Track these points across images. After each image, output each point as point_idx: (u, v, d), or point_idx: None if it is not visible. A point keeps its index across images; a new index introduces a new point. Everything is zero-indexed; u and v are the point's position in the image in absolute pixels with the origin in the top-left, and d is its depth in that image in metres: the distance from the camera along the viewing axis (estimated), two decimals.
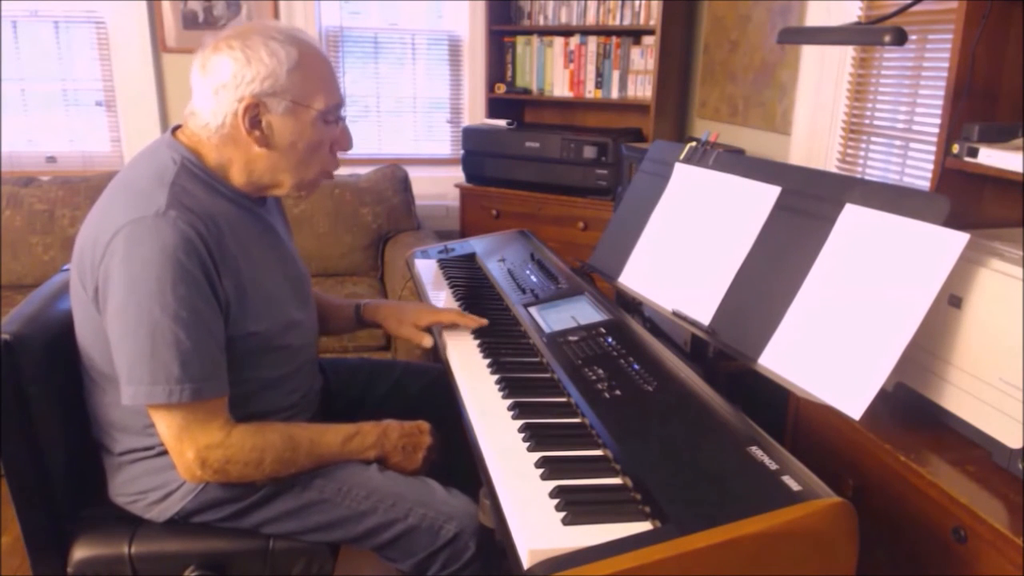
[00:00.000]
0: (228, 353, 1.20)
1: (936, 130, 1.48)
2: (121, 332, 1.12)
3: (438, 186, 3.62)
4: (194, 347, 1.12)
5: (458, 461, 1.44)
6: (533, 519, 0.92)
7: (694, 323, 1.41)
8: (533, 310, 1.57)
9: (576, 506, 0.93)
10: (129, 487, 1.27)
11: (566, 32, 3.33)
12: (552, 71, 3.41)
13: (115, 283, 1.11)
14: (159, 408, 1.15)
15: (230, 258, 1.18)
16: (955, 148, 1.34)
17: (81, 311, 1.22)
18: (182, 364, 1.11)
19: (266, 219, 1.33)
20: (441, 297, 1.73)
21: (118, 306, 1.11)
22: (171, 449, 1.18)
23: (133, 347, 1.11)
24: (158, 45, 3.30)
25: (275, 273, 1.30)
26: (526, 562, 0.86)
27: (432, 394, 1.58)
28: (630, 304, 1.70)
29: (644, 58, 3.19)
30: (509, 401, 1.21)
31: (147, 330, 1.10)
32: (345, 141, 1.30)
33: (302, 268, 1.43)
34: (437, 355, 1.50)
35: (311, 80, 1.21)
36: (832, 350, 1.15)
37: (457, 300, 1.69)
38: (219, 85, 1.18)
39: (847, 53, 2.32)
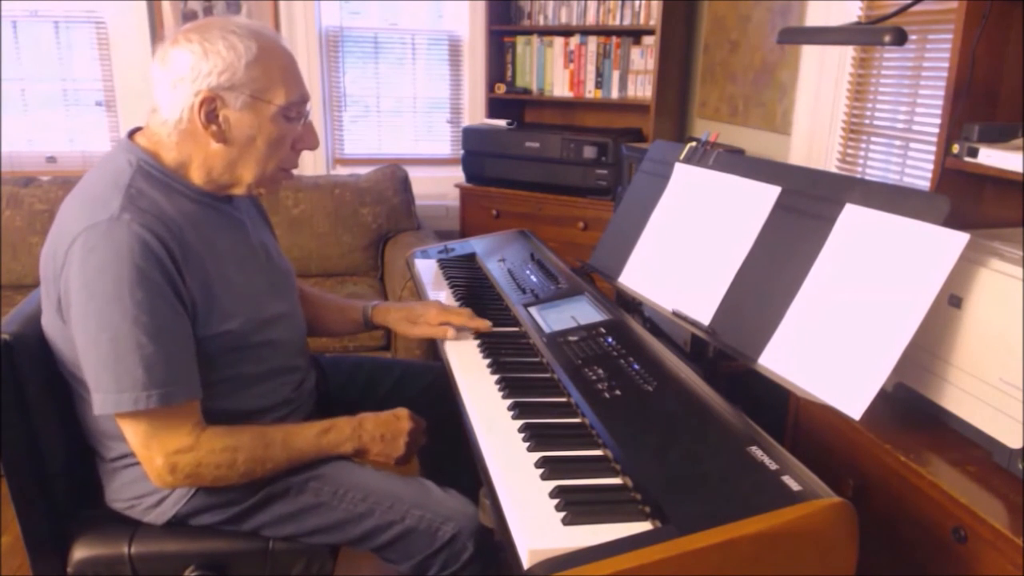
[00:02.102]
0: (205, 353, 1.18)
1: (936, 130, 1.48)
2: (84, 341, 1.11)
3: (438, 186, 3.62)
4: (157, 351, 1.10)
5: (458, 462, 1.45)
6: (533, 519, 0.92)
7: (694, 323, 1.41)
8: (533, 310, 1.57)
9: (576, 506, 0.93)
10: (124, 492, 1.27)
11: (566, 32, 3.33)
12: (552, 71, 3.41)
13: (75, 291, 1.10)
14: (125, 415, 1.13)
15: (193, 258, 1.17)
16: (955, 148, 1.34)
17: (51, 322, 1.20)
18: (146, 369, 1.09)
19: (234, 215, 1.31)
20: (441, 297, 1.72)
21: (79, 314, 1.10)
22: (140, 456, 1.16)
23: (96, 355, 1.10)
24: (158, 45, 3.29)
25: (247, 269, 1.29)
26: (526, 562, 0.86)
27: (433, 394, 1.58)
28: (630, 304, 1.70)
29: (644, 58, 3.19)
30: (509, 401, 1.21)
31: (108, 337, 1.09)
32: (310, 139, 1.27)
33: (282, 263, 1.41)
34: (437, 353, 1.50)
35: (271, 74, 1.19)
36: (832, 350, 1.15)
37: (457, 300, 1.69)
38: (177, 79, 1.16)
39: (847, 53, 2.32)
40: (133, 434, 1.15)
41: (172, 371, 1.12)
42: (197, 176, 1.23)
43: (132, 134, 1.25)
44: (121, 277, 1.08)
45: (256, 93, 1.18)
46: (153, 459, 1.15)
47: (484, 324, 1.48)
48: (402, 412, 1.34)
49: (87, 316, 1.10)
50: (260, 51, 1.17)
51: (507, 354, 1.40)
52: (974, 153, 1.30)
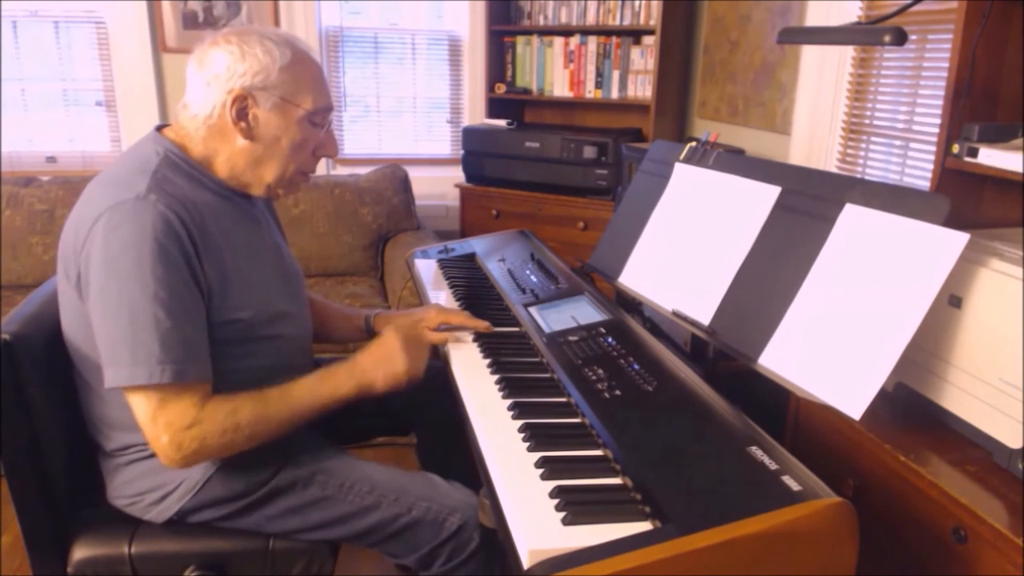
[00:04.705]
0: (214, 341, 1.20)
1: (936, 130, 1.48)
2: (102, 314, 1.13)
3: (438, 186, 3.62)
4: (174, 327, 1.12)
5: (457, 461, 1.45)
6: (533, 519, 0.92)
7: (694, 323, 1.41)
8: (533, 310, 1.57)
9: (576, 506, 0.93)
10: (126, 489, 1.28)
11: (566, 32, 3.33)
12: (552, 71, 3.41)
13: (96, 267, 1.12)
14: (136, 390, 1.14)
15: (212, 245, 1.19)
16: (955, 148, 1.34)
17: (67, 303, 1.22)
18: (162, 344, 1.11)
19: (252, 212, 1.34)
20: (441, 297, 1.73)
21: (99, 289, 1.12)
22: (147, 434, 1.16)
23: (114, 328, 1.12)
24: (158, 45, 3.30)
25: (261, 264, 1.31)
26: (526, 562, 0.86)
27: (431, 392, 1.58)
28: (630, 304, 1.70)
29: (644, 58, 3.19)
30: (509, 401, 1.21)
31: (127, 311, 1.11)
32: (331, 146, 1.32)
33: (292, 265, 1.44)
34: (436, 352, 1.50)
35: (302, 81, 1.24)
36: (832, 350, 1.15)
37: (457, 300, 1.69)
38: (212, 77, 1.21)
39: (847, 53, 2.32)
40: (142, 410, 1.15)
41: (187, 348, 1.14)
42: (221, 171, 1.26)
43: (160, 129, 1.28)
44: (143, 254, 1.10)
45: (286, 96, 1.23)
46: (159, 436, 1.15)
47: (482, 324, 1.48)
48: (388, 332, 1.33)
49: (107, 291, 1.11)
50: (294, 58, 1.23)
51: (507, 354, 1.40)
52: (974, 153, 1.30)
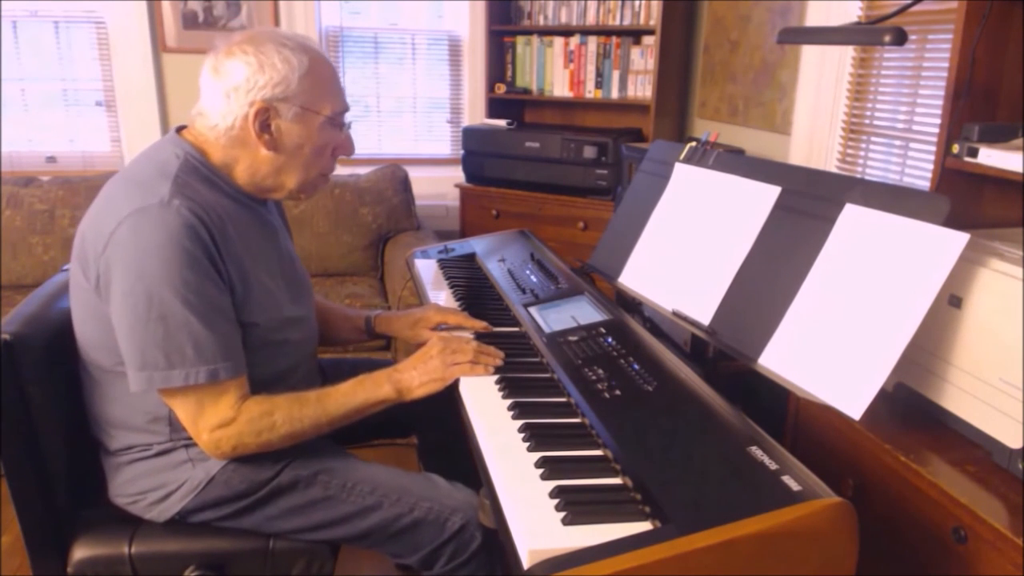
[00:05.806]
0: None
1: (936, 130, 1.48)
2: (132, 319, 1.13)
3: (438, 186, 3.62)
4: (205, 329, 1.14)
5: (457, 461, 1.45)
6: (533, 519, 0.92)
7: (694, 323, 1.41)
8: (533, 310, 1.57)
9: (576, 506, 0.93)
10: (128, 488, 1.28)
11: (566, 32, 3.33)
12: (552, 71, 3.41)
13: (121, 271, 1.12)
14: (174, 393, 1.17)
15: (233, 250, 1.20)
16: (955, 148, 1.34)
17: (82, 303, 1.22)
18: (195, 347, 1.13)
19: (266, 218, 1.35)
20: (441, 297, 1.73)
21: (126, 294, 1.13)
22: (189, 431, 1.20)
23: (145, 333, 1.13)
24: (158, 45, 3.30)
25: (274, 270, 1.31)
26: (526, 562, 0.86)
27: (432, 394, 1.58)
28: (630, 304, 1.70)
29: (644, 58, 3.19)
30: (509, 401, 1.21)
31: (158, 316, 1.12)
32: (348, 146, 1.34)
33: (301, 269, 1.44)
34: None
35: (320, 87, 1.24)
36: (832, 350, 1.15)
37: (457, 300, 1.69)
38: (231, 88, 1.20)
39: (847, 53, 2.32)
40: (183, 411, 1.19)
41: (219, 348, 1.15)
42: (241, 178, 1.27)
43: (179, 130, 1.28)
44: (171, 259, 1.11)
45: (306, 104, 1.23)
46: (200, 434, 1.19)
47: (480, 324, 1.49)
48: (433, 337, 1.36)
49: (135, 296, 1.12)
50: (311, 64, 1.23)
51: (507, 354, 1.39)
52: (974, 153, 1.30)
